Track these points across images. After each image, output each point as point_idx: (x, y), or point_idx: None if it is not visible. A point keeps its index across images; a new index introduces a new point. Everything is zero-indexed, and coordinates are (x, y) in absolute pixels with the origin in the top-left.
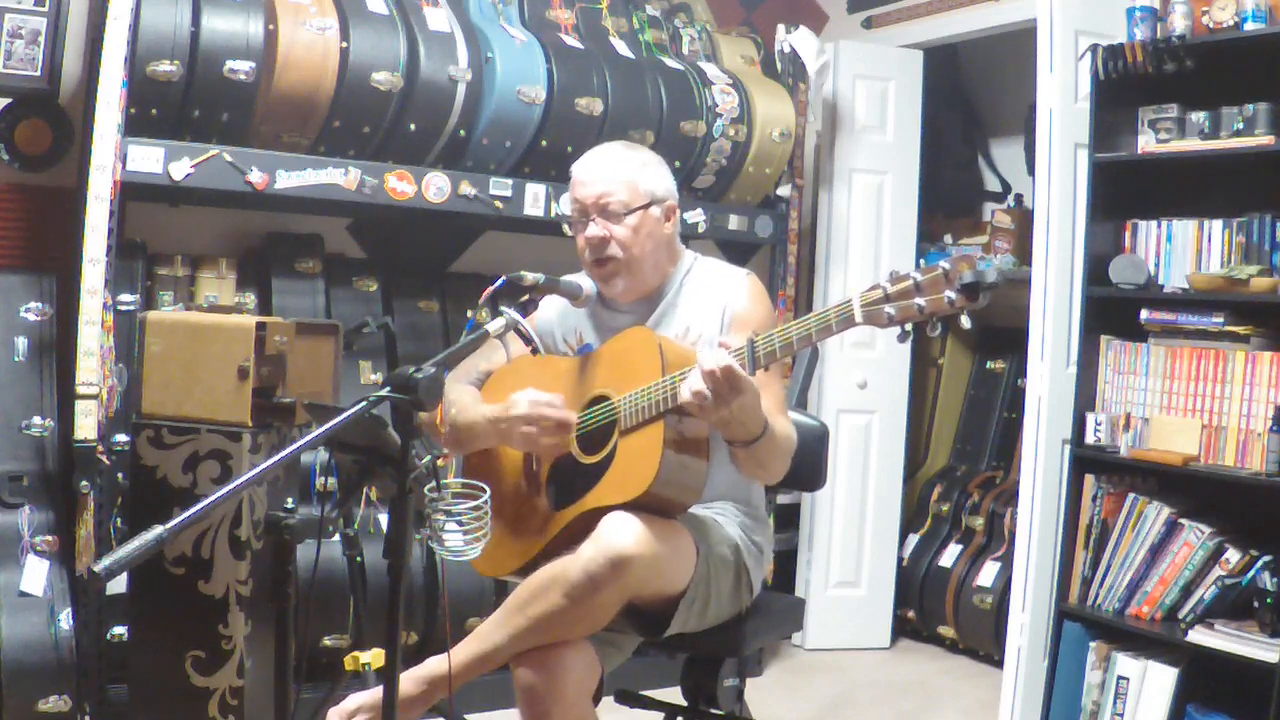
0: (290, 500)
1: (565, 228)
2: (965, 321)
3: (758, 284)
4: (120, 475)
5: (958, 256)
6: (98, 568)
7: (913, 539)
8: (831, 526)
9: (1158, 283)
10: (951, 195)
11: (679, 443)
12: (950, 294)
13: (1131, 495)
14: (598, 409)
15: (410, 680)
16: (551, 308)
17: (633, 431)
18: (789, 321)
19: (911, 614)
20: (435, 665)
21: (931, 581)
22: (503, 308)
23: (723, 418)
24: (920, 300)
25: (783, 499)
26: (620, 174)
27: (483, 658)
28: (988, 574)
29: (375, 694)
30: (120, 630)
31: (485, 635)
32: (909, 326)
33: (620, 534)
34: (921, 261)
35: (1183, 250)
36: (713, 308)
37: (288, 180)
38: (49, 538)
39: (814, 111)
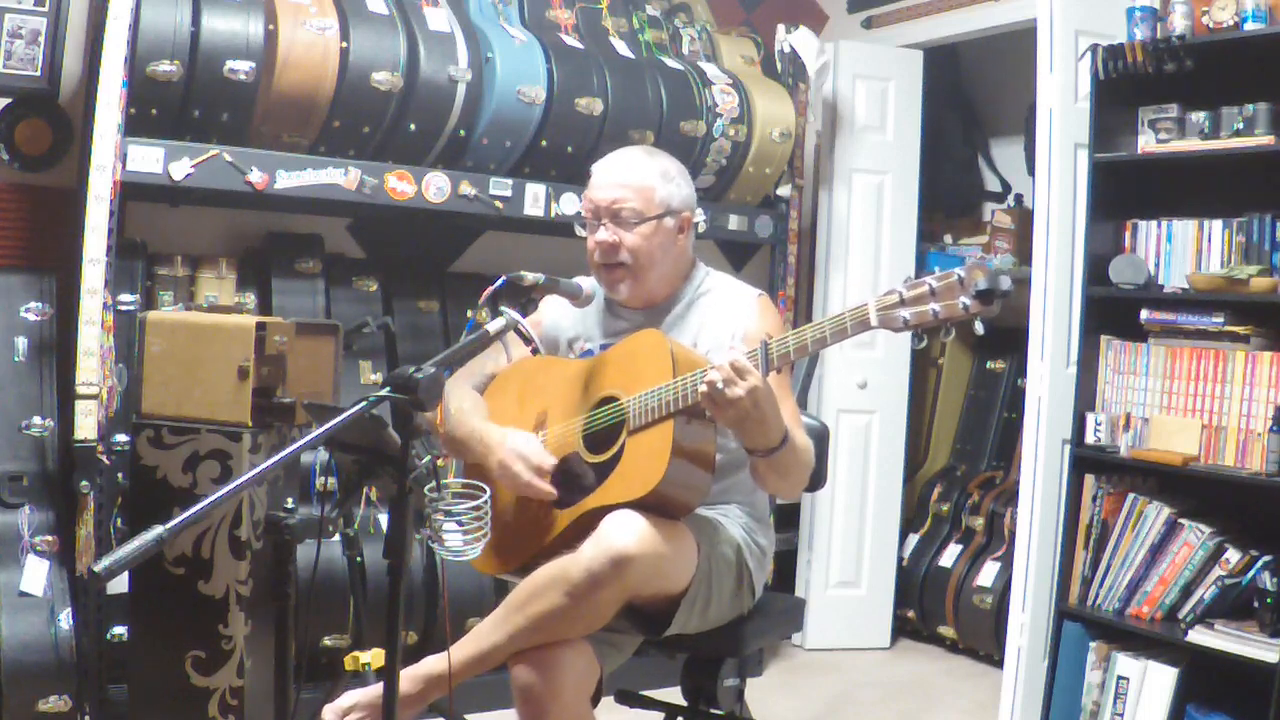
0: (290, 500)
1: (577, 227)
2: (979, 328)
3: (769, 304)
4: (120, 475)
5: (973, 263)
6: (98, 568)
7: (913, 539)
8: (831, 526)
9: (1158, 283)
10: (951, 195)
11: (688, 444)
12: (965, 300)
13: (1131, 495)
14: (606, 409)
15: (406, 679)
16: (559, 312)
17: (641, 431)
18: (796, 325)
19: (911, 614)
20: (432, 664)
21: (931, 581)
22: (503, 308)
23: (738, 415)
24: (935, 305)
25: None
26: (637, 181)
27: (480, 657)
28: (988, 574)
29: (370, 692)
30: (120, 630)
31: (483, 634)
32: (923, 332)
33: (622, 533)
34: (924, 264)
35: (1183, 250)
36: (723, 327)
37: (288, 180)
38: (49, 538)
39: (814, 111)
